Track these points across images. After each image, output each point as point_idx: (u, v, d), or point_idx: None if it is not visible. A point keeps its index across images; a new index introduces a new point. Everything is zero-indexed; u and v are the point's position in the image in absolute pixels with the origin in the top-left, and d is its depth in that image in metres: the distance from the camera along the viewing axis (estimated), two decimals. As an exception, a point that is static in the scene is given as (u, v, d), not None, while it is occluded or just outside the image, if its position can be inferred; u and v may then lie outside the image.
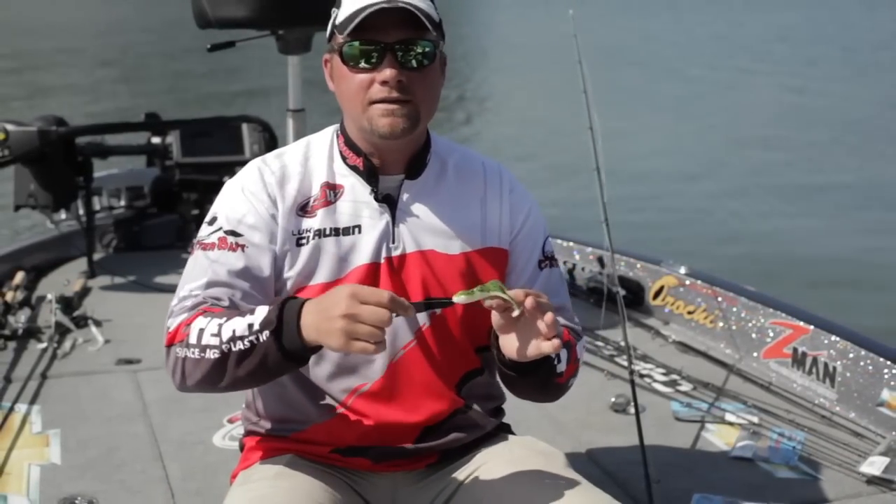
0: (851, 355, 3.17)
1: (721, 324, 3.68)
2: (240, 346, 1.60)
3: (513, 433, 1.96)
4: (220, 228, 1.75)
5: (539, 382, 1.74)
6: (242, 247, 1.73)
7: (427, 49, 1.70)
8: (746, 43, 24.11)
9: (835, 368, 3.20)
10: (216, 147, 4.97)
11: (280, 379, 1.78)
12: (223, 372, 1.62)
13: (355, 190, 1.79)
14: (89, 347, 3.66)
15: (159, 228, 5.01)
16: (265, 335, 1.58)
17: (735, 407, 3.15)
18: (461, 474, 1.83)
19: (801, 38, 25.07)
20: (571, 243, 4.29)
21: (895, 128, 13.19)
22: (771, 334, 3.47)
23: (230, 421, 3.00)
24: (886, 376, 3.05)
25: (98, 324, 3.84)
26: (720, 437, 2.97)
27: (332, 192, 1.78)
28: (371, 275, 1.75)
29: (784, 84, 17.01)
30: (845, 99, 15.53)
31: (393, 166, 1.79)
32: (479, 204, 1.84)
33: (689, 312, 3.82)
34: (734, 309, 3.64)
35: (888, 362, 3.07)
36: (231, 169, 4.48)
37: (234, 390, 1.69)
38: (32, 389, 3.26)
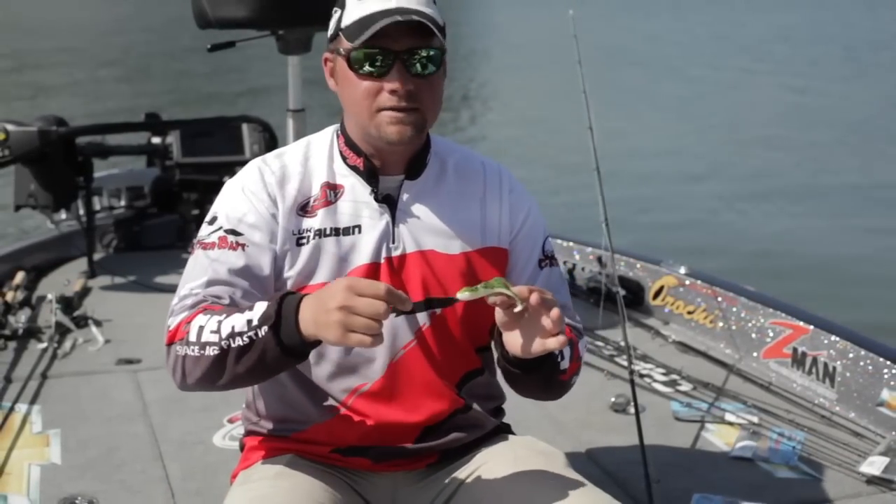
0: (851, 355, 3.17)
1: (721, 324, 3.68)
2: (238, 341, 1.60)
3: (513, 433, 1.96)
4: (221, 228, 1.76)
5: (543, 379, 1.74)
6: (243, 246, 1.74)
7: (433, 55, 1.70)
8: (748, 43, 24.07)
9: (835, 368, 3.20)
10: (216, 147, 4.97)
11: (280, 379, 1.78)
12: (222, 369, 1.63)
13: (355, 190, 1.79)
14: (89, 347, 3.66)
15: (159, 228, 5.01)
16: (264, 330, 1.58)
17: (735, 407, 3.15)
18: (461, 474, 1.84)
19: (803, 38, 25.03)
20: (571, 243, 4.29)
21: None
22: (771, 334, 3.48)
23: (230, 421, 3.00)
24: (886, 376, 3.05)
25: (98, 324, 3.84)
26: (720, 437, 2.97)
27: (332, 192, 1.79)
28: (371, 275, 1.75)
29: (785, 84, 16.98)
30: (846, 99, 15.51)
31: (393, 167, 1.79)
32: (478, 204, 1.84)
33: (689, 312, 3.82)
34: (734, 309, 3.64)
35: (888, 362, 3.07)
36: (231, 169, 4.48)
37: (235, 388, 1.69)
38: (33, 389, 3.26)
